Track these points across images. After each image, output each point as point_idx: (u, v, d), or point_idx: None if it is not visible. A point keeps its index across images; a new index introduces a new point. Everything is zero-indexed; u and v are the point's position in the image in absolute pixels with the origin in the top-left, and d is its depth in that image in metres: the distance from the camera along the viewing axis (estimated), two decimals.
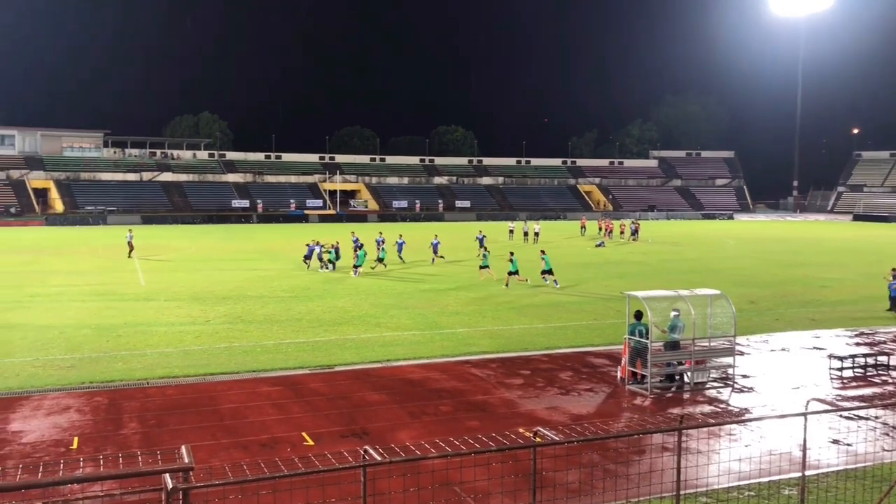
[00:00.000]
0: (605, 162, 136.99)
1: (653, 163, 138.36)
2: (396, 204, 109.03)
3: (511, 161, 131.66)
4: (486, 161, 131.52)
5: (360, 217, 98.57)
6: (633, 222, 65.84)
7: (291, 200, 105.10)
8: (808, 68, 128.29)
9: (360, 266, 35.43)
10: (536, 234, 57.99)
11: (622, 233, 62.08)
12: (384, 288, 31.34)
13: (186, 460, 6.22)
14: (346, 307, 26.43)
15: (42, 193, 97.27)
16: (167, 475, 6.17)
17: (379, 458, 6.81)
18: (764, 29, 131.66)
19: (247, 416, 14.59)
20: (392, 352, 19.91)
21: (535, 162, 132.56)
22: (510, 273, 31.87)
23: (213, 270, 37.30)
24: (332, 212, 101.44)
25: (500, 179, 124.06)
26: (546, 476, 10.88)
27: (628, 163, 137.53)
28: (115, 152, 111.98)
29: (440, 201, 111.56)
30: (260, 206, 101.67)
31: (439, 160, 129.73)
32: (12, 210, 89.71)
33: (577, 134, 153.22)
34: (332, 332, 22.31)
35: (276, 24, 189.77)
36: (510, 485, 10.22)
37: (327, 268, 37.45)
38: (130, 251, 43.40)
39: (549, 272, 32.88)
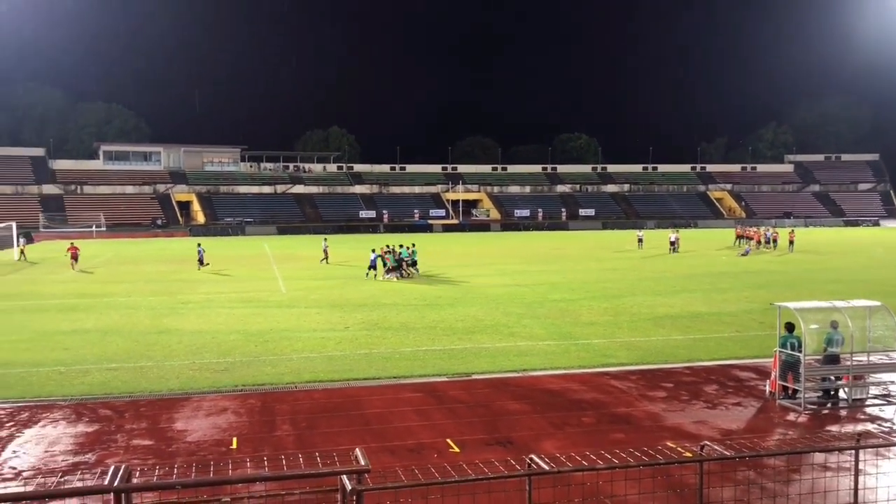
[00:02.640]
0: (736, 167, 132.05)
1: (788, 167, 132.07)
2: (518, 213, 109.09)
3: (637, 168, 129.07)
4: (611, 168, 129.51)
5: (483, 226, 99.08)
6: (766, 229, 62.84)
7: (415, 210, 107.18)
8: None
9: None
10: (672, 242, 55.67)
11: (768, 241, 58.57)
12: (513, 297, 31.33)
13: (363, 462, 6.42)
14: (478, 316, 26.61)
15: (185, 206, 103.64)
16: (345, 476, 6.40)
17: (547, 468, 6.79)
18: None
19: (391, 421, 14.92)
20: (528, 361, 19.86)
21: (662, 168, 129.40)
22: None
23: (347, 278, 38.46)
24: (454, 221, 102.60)
25: (626, 187, 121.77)
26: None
27: (762, 168, 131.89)
28: (251, 166, 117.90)
29: (563, 210, 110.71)
30: (385, 216, 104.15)
31: (562, 168, 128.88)
32: (159, 222, 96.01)
33: (707, 139, 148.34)
34: (467, 340, 22.50)
35: (397, 41, 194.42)
36: (668, 500, 9.95)
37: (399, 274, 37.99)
38: (325, 258, 46.65)
39: (414, 264, 38.94)
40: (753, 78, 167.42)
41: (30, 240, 57.17)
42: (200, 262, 44.26)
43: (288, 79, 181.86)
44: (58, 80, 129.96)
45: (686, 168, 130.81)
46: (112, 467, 6.14)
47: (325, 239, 51.08)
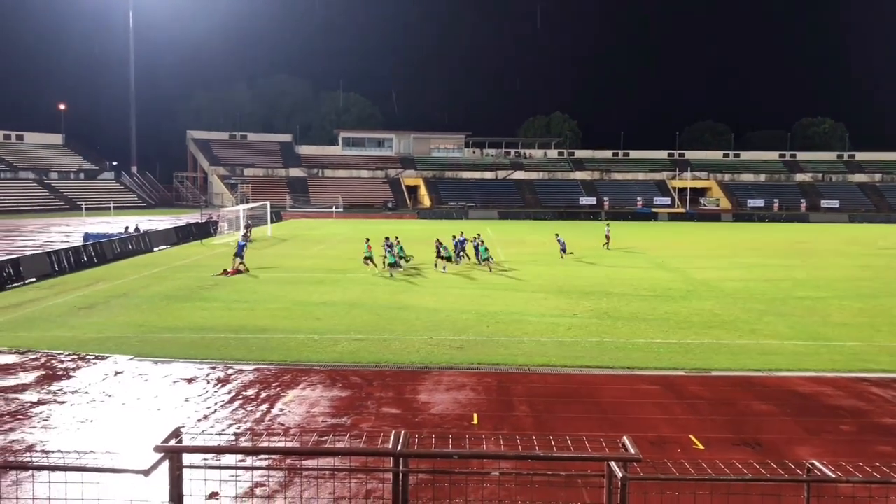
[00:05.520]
0: None
1: None
2: (752, 203, 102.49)
3: (891, 155, 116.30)
4: (860, 156, 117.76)
5: (712, 216, 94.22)
6: None
7: (638, 198, 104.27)
8: None
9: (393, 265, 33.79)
10: None
11: None
12: (751, 292, 29.53)
13: (632, 451, 6.32)
14: (714, 310, 25.37)
15: (413, 190, 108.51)
16: (613, 463, 6.34)
17: (832, 476, 6.29)
18: None
19: (629, 411, 14.67)
20: (773, 361, 18.64)
21: None
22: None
23: (571, 265, 38.30)
24: (680, 210, 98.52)
25: (877, 176, 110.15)
26: None
27: None
28: (473, 152, 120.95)
29: (803, 201, 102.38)
30: (606, 203, 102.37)
31: (802, 155, 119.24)
32: (389, 205, 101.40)
33: None
34: (703, 335, 21.54)
35: (620, 23, 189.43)
36: None
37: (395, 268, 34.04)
38: (607, 243, 46.83)
39: (487, 259, 35.86)
40: None
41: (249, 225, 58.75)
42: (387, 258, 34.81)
43: (513, 66, 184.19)
44: (304, 72, 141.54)
45: None
46: (393, 432, 6.53)
47: (608, 224, 50.60)
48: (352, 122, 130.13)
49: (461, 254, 38.74)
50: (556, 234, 44.25)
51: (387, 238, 36.30)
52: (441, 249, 36.17)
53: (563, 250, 41.83)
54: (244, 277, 32.67)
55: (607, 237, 47.30)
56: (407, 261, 36.36)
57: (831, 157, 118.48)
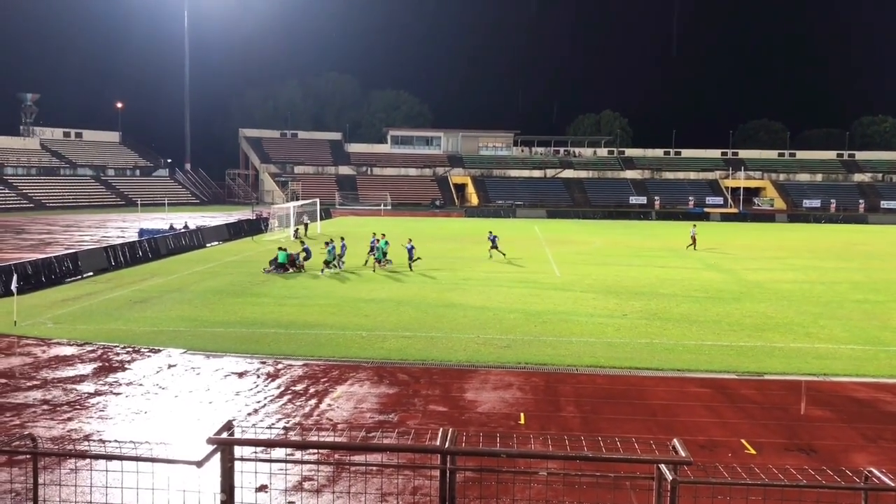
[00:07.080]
0: None
1: None
2: (807, 203, 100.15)
3: None
4: None
5: (767, 217, 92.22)
6: None
7: (690, 197, 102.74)
8: None
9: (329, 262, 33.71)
10: None
11: None
12: (806, 295, 28.86)
13: (683, 454, 6.21)
14: (767, 313, 24.85)
15: (461, 188, 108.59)
16: (664, 466, 6.24)
17: (891, 484, 6.10)
18: None
19: (678, 414, 14.47)
20: (828, 365, 18.18)
21: None
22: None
23: (620, 265, 37.90)
24: (733, 210, 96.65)
25: None
26: None
27: None
28: (522, 151, 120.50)
29: (861, 201, 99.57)
30: (657, 202, 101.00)
31: (861, 155, 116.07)
32: (437, 202, 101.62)
33: None
34: (756, 337, 21.12)
35: (672, 20, 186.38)
36: None
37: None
38: (693, 244, 45.89)
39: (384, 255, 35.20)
40: None
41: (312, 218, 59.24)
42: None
43: (563, 64, 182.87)
44: (354, 70, 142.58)
45: None
46: (441, 430, 6.54)
47: (695, 225, 49.86)
48: (400, 120, 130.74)
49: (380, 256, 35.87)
50: (490, 232, 42.02)
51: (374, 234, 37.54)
52: (300, 253, 34.63)
53: (494, 247, 39.88)
54: (293, 274, 33.07)
55: (693, 238, 46.35)
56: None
57: (892, 157, 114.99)
